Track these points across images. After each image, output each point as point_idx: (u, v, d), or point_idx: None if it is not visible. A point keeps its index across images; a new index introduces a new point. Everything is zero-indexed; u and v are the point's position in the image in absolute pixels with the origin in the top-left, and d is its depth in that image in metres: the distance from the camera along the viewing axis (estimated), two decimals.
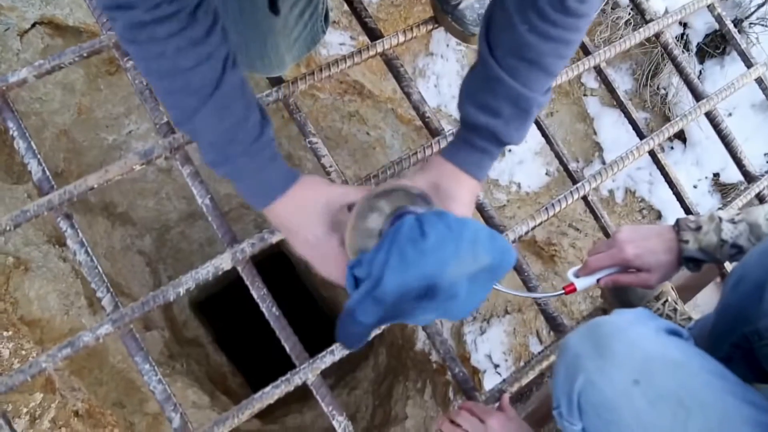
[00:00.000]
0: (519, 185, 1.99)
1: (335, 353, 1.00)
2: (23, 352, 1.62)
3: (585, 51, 1.34)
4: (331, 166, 1.08)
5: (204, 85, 0.65)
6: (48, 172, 0.97)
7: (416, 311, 0.64)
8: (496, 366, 1.95)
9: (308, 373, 0.98)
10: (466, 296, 0.63)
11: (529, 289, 1.16)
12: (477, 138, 0.72)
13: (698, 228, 0.90)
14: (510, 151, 1.99)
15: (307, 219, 0.72)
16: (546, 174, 2.00)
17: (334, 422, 0.98)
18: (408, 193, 0.69)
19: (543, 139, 1.28)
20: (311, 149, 1.08)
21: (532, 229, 1.16)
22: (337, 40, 1.93)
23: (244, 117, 0.68)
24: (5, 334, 1.63)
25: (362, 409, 2.54)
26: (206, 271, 0.97)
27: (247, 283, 1.00)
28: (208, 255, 2.48)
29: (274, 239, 1.01)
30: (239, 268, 1.00)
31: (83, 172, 2.10)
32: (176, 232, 2.94)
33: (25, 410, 1.55)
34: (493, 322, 2.01)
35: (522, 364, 1.09)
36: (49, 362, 0.89)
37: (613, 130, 1.91)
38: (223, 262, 0.98)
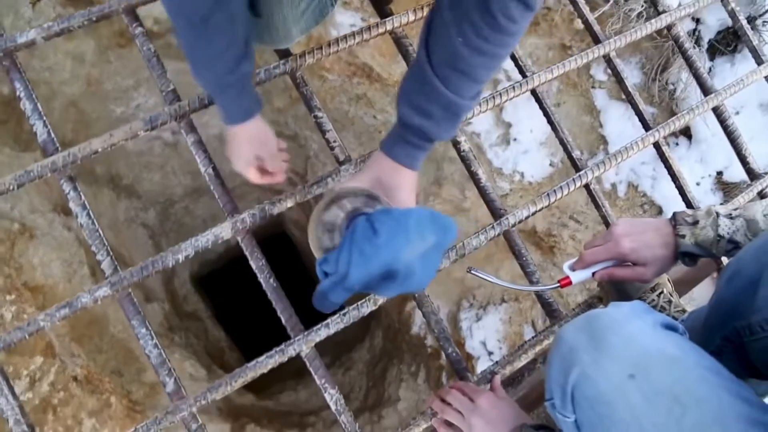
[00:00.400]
0: (522, 175, 1.99)
1: (330, 326, 1.01)
2: (25, 316, 1.64)
3: (596, 39, 1.33)
4: (335, 141, 1.08)
5: (193, 13, 0.73)
6: (53, 134, 0.98)
7: (381, 288, 0.74)
8: (490, 353, 1.97)
9: (302, 344, 0.98)
10: (421, 272, 0.73)
11: (527, 275, 1.17)
12: (411, 135, 0.81)
13: (695, 223, 0.90)
14: (515, 140, 1.99)
15: (239, 150, 0.96)
16: (550, 165, 2.00)
17: (326, 395, 0.99)
18: (363, 195, 0.79)
19: (548, 129, 1.28)
20: (316, 124, 1.08)
21: (533, 214, 1.16)
22: (348, 21, 1.93)
23: (219, 53, 0.79)
24: (8, 297, 1.66)
25: (356, 389, 2.57)
26: (206, 239, 0.98)
27: (246, 253, 1.00)
28: None
29: (276, 210, 1.01)
30: (239, 238, 1.00)
31: None
32: (180, 206, 2.95)
33: (25, 372, 1.57)
34: (490, 309, 2.02)
35: (516, 348, 1.10)
36: (47, 321, 0.90)
37: (619, 124, 1.90)
38: (223, 231, 0.99)
